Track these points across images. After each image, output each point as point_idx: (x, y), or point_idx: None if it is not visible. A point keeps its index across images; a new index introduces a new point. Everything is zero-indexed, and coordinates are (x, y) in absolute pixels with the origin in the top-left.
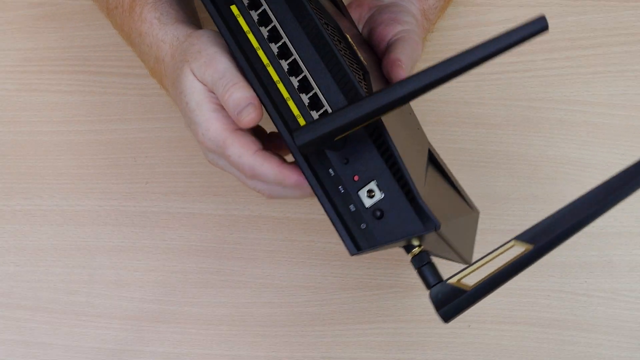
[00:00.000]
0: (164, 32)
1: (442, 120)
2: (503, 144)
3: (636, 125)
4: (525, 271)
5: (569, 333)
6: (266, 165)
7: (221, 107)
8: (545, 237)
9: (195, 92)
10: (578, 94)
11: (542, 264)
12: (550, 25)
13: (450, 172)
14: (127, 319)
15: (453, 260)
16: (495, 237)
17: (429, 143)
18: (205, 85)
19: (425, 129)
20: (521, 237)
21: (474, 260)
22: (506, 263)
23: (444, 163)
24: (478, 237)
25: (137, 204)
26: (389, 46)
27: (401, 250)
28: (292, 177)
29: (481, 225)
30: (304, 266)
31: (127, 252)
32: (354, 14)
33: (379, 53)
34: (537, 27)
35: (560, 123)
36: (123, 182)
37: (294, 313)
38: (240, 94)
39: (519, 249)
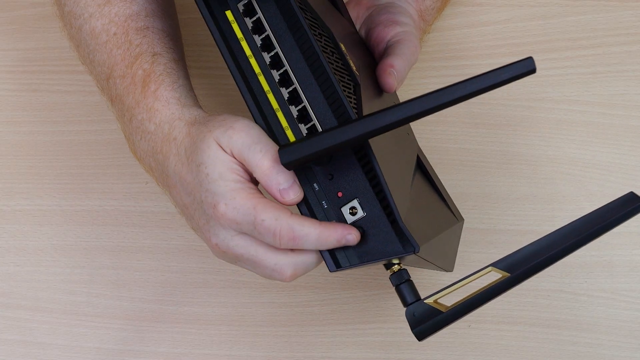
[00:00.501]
0: (182, 112)
1: (442, 120)
2: (503, 144)
3: (636, 125)
4: None
5: (569, 333)
6: (307, 225)
7: (245, 181)
8: (521, 267)
9: (218, 162)
10: (578, 94)
11: None
12: (550, 25)
13: (438, 179)
14: (127, 319)
15: (433, 270)
16: (495, 237)
17: (418, 149)
18: (230, 153)
19: (425, 128)
20: (498, 265)
21: (455, 280)
22: (482, 288)
23: (432, 170)
24: (478, 237)
25: (137, 204)
26: (387, 48)
27: None
28: (337, 231)
29: (481, 225)
30: None
31: (127, 252)
32: (352, 13)
33: (376, 54)
34: (525, 68)
35: (560, 123)
36: (123, 182)
37: (294, 313)
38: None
39: (495, 275)
